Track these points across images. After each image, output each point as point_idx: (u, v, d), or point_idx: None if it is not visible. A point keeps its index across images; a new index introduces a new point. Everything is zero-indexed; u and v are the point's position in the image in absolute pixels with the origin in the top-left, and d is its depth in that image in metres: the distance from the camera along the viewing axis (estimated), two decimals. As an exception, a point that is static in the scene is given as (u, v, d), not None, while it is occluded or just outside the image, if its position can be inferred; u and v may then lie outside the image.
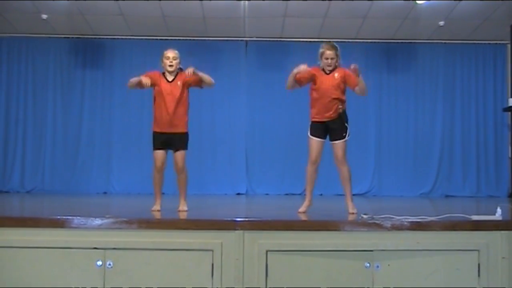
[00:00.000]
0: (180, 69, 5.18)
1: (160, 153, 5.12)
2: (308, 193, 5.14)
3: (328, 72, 5.01)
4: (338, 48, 5.02)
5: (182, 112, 5.13)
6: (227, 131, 9.67)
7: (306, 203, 5.08)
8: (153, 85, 5.12)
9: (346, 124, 5.03)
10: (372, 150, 9.70)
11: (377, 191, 9.61)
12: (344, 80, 5.00)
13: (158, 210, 5.07)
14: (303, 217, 4.61)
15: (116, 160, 9.60)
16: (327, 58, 4.96)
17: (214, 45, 9.66)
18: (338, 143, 5.01)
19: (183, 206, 5.17)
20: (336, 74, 4.99)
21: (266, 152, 9.62)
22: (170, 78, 5.12)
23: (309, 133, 5.07)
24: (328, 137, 5.07)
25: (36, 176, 9.55)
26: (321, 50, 5.01)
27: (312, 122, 5.06)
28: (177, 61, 5.12)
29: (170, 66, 5.08)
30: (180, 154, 5.13)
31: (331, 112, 4.97)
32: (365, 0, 8.06)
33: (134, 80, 5.11)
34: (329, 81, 4.97)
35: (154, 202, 5.22)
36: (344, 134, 5.00)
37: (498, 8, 8.26)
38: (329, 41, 5.14)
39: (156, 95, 5.14)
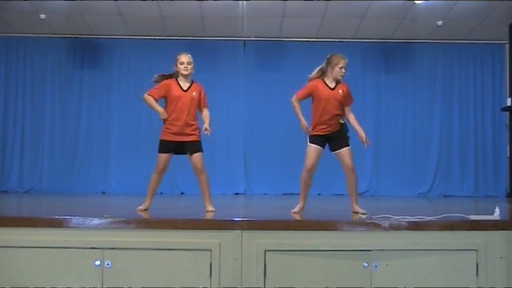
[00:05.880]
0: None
1: (165, 156, 5.06)
2: (302, 198, 5.08)
3: (333, 86, 4.97)
4: None
5: (194, 121, 5.11)
6: (225, 131, 9.65)
7: (300, 206, 5.04)
8: (165, 96, 5.06)
9: (347, 135, 5.03)
10: (370, 150, 9.64)
11: (375, 190, 9.61)
12: (345, 97, 4.99)
13: (144, 210, 5.01)
14: (301, 217, 4.60)
15: (114, 159, 9.60)
16: (341, 67, 4.93)
17: (212, 45, 9.65)
18: (344, 150, 4.95)
19: (209, 207, 5.07)
20: (340, 91, 4.97)
21: (265, 152, 9.62)
22: (185, 86, 5.08)
23: (308, 141, 5.03)
24: (328, 147, 5.03)
25: (34, 176, 9.55)
26: (335, 58, 4.95)
27: (312, 135, 5.01)
28: (192, 65, 5.08)
29: (185, 70, 5.04)
30: (197, 156, 5.06)
31: (333, 127, 4.96)
32: (363, 0, 8.07)
33: (151, 104, 5.04)
34: (334, 97, 4.94)
35: (144, 201, 5.12)
36: (347, 141, 4.99)
37: (496, 8, 8.27)
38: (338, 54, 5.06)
39: (169, 104, 5.06)
